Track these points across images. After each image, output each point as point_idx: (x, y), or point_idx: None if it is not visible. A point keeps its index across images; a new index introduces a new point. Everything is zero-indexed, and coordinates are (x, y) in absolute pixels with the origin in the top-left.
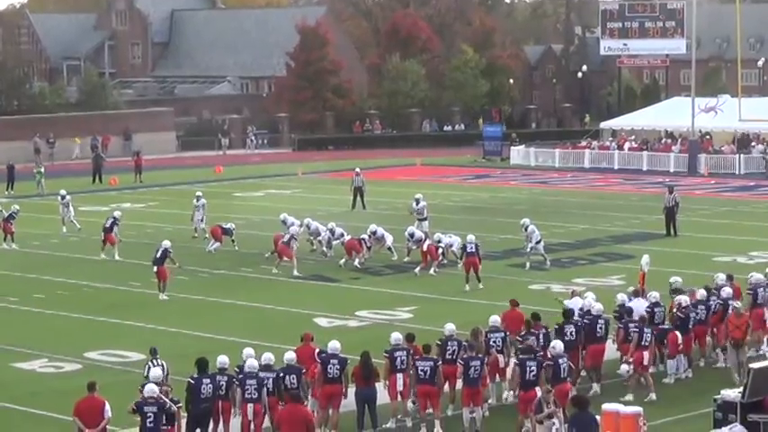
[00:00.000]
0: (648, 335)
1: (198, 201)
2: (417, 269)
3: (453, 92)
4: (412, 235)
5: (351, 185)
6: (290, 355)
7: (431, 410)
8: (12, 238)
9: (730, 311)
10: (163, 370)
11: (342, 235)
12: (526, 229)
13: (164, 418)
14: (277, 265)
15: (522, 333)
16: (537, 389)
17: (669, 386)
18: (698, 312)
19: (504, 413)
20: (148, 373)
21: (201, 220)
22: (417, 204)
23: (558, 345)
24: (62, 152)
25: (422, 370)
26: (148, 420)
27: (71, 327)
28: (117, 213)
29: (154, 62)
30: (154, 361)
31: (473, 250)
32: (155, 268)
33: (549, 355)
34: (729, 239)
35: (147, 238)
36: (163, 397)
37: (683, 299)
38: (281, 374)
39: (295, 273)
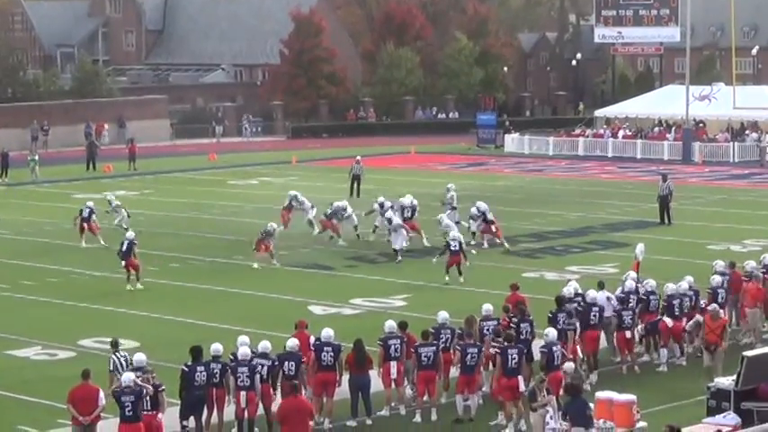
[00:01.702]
0: (629, 317)
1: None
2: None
3: (447, 80)
4: (440, 222)
5: (349, 173)
6: (292, 342)
7: (427, 398)
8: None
9: (705, 316)
10: (126, 362)
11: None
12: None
13: (147, 403)
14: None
15: (516, 318)
16: (519, 377)
17: (663, 374)
18: (683, 300)
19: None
20: (113, 366)
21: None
22: (448, 193)
23: (551, 332)
24: (55, 140)
25: (425, 356)
26: (126, 409)
27: (65, 314)
28: (90, 203)
29: (148, 50)
30: (117, 354)
31: (457, 248)
32: (122, 262)
33: (543, 343)
34: (723, 228)
35: (141, 226)
36: (141, 384)
37: (671, 286)
38: (276, 362)
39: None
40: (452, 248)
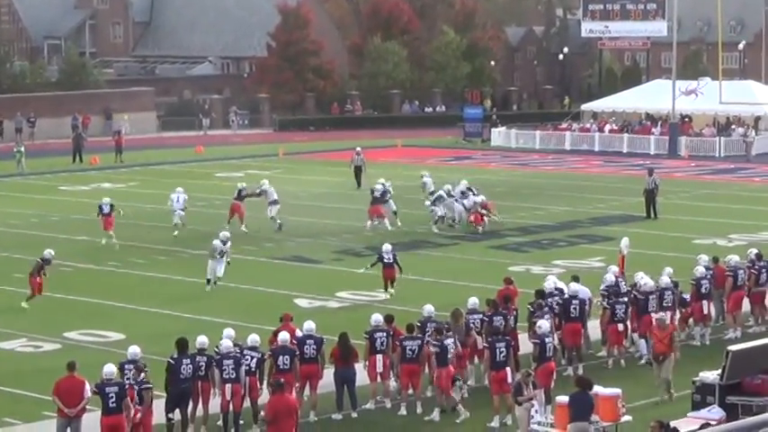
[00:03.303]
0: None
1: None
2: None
3: (434, 73)
4: (448, 209)
5: (351, 165)
6: (285, 336)
7: (411, 391)
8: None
9: (656, 322)
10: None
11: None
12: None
13: (137, 397)
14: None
15: (490, 313)
16: (507, 369)
17: (648, 368)
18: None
19: (483, 394)
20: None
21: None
22: (425, 179)
23: (543, 324)
24: (41, 132)
25: (410, 349)
26: (110, 401)
27: (51, 306)
28: (107, 200)
29: (135, 42)
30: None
31: (390, 260)
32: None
33: (535, 334)
34: (709, 222)
35: (127, 219)
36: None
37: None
38: (264, 356)
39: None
40: (386, 261)
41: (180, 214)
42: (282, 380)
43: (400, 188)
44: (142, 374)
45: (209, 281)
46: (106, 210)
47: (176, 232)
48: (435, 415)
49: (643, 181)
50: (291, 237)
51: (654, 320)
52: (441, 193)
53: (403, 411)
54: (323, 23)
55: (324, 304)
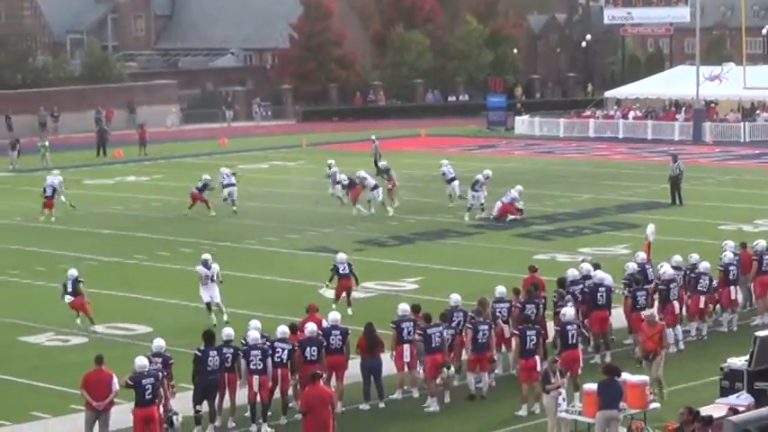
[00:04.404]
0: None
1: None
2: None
3: (457, 62)
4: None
5: (373, 154)
6: (312, 327)
7: (438, 381)
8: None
9: (644, 319)
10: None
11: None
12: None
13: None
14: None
15: (522, 301)
16: (536, 357)
17: (675, 354)
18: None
19: (510, 383)
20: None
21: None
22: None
23: (567, 312)
24: (64, 126)
25: (438, 337)
26: (146, 393)
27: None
28: (57, 180)
29: (157, 35)
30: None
31: (346, 271)
32: (67, 299)
33: (559, 322)
34: (735, 208)
35: (152, 212)
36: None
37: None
38: (296, 346)
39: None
40: (341, 272)
41: (230, 191)
42: (319, 371)
43: (421, 178)
44: (170, 367)
45: (209, 306)
46: (49, 192)
47: (234, 208)
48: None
49: (667, 167)
50: (316, 227)
51: (643, 317)
52: (479, 177)
53: (429, 401)
54: (345, 14)
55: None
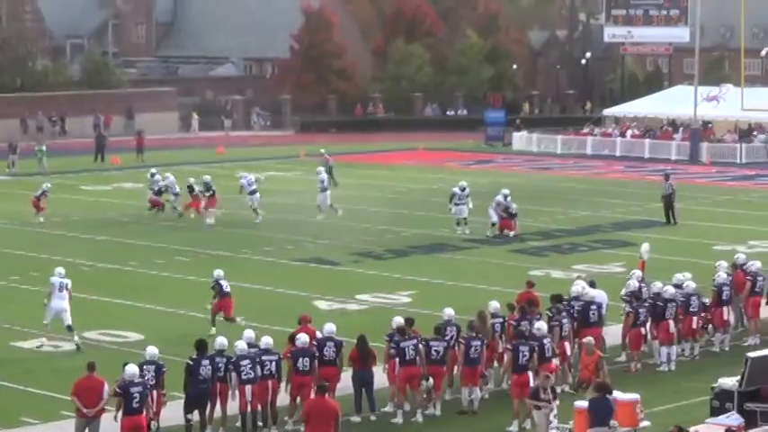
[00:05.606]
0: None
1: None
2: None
3: (457, 76)
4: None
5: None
6: (304, 338)
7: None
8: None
9: (581, 349)
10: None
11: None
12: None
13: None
14: None
15: (517, 318)
16: (529, 372)
17: (667, 373)
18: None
19: (503, 398)
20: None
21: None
22: (505, 200)
23: (542, 326)
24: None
25: (435, 350)
26: (134, 401)
27: (70, 306)
28: (46, 186)
29: (158, 42)
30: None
31: (229, 289)
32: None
33: (534, 337)
34: (729, 228)
35: (148, 219)
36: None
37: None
38: (281, 357)
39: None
40: (225, 290)
41: (255, 198)
42: (326, 383)
43: (421, 192)
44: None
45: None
46: (38, 193)
47: (258, 219)
48: (411, 417)
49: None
50: (311, 238)
51: (583, 344)
52: (499, 198)
53: (419, 415)
54: (346, 26)
55: (343, 306)
